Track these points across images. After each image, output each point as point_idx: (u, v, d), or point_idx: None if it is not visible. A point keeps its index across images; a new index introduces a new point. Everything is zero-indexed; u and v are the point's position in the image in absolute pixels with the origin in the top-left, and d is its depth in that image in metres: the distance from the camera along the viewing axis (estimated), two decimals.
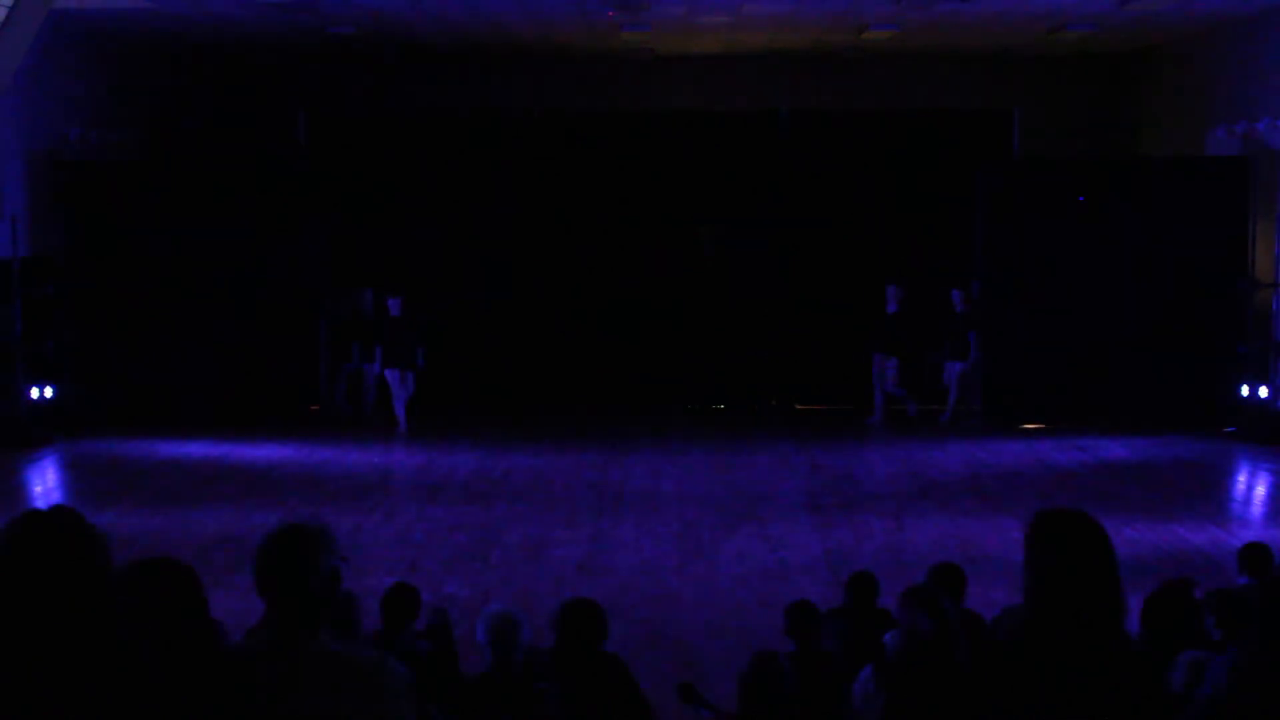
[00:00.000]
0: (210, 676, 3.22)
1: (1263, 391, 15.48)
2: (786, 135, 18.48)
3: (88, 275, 16.50)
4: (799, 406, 17.42)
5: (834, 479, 13.62)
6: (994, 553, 10.35)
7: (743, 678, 5.36)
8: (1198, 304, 16.33)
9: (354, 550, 10.36)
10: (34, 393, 15.46)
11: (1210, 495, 12.94)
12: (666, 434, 16.01)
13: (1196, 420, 15.95)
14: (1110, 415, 16.23)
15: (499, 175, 18.46)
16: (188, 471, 13.90)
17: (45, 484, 13.70)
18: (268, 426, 16.15)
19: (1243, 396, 15.72)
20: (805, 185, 18.35)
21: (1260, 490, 13.65)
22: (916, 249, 18.03)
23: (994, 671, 3.50)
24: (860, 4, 15.63)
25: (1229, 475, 14.20)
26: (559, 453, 14.88)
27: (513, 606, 5.98)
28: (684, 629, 8.73)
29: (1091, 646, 3.41)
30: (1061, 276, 16.56)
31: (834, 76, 19.98)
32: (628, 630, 8.16)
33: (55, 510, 3.15)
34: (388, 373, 16.32)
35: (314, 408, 17.05)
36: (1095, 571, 3.43)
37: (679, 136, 18.71)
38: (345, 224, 17.69)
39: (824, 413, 17.04)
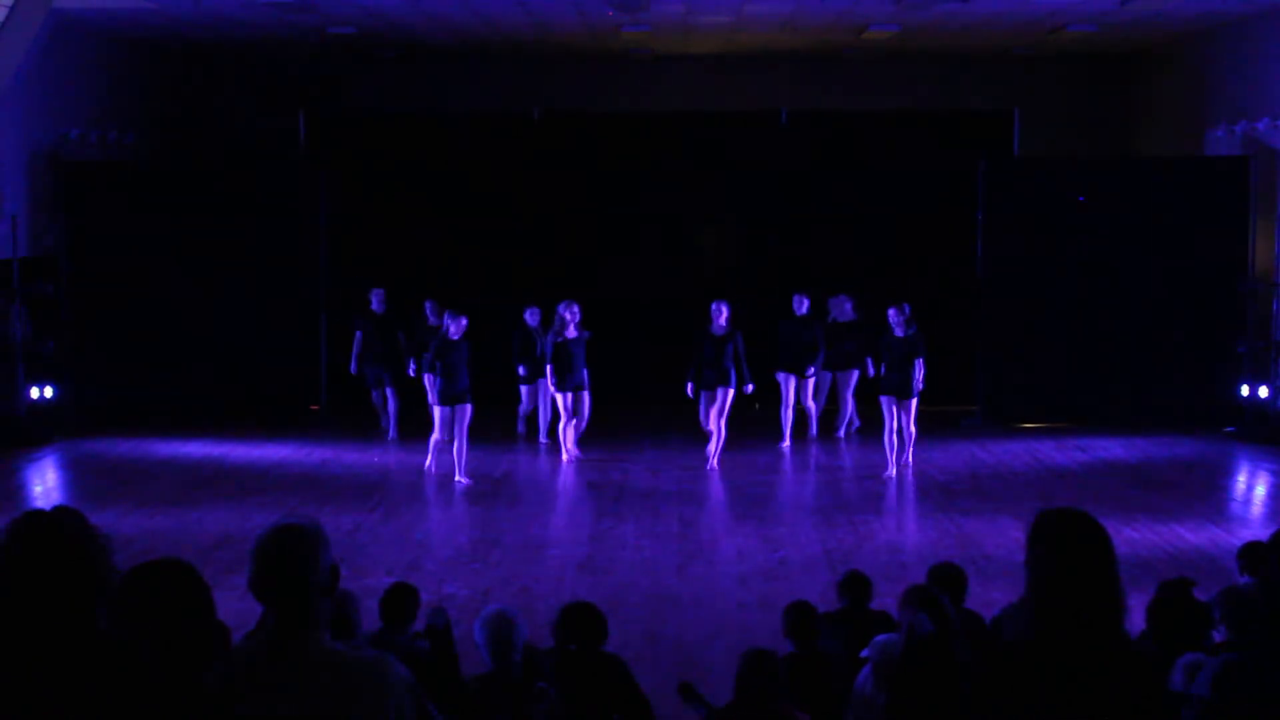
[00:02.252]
0: (211, 677, 3.22)
1: (1263, 391, 15.48)
2: (786, 135, 18.46)
3: (88, 275, 16.50)
4: None
5: (834, 479, 13.62)
6: (994, 553, 10.36)
7: (738, 676, 5.36)
8: (1198, 304, 16.33)
9: (354, 550, 10.37)
10: (34, 393, 15.46)
11: (1210, 495, 12.94)
12: (666, 434, 16.00)
13: (1196, 420, 15.95)
14: (1110, 415, 16.23)
15: (499, 175, 18.44)
16: (188, 471, 13.89)
17: (45, 484, 13.69)
18: (268, 426, 16.15)
19: (1243, 396, 15.72)
20: (805, 185, 18.32)
21: (1260, 490, 13.65)
22: (916, 249, 17.99)
23: (994, 671, 3.50)
24: (860, 4, 15.63)
25: (1229, 475, 14.20)
26: (559, 452, 14.87)
27: (512, 606, 5.98)
28: (684, 629, 8.73)
29: (1092, 646, 3.41)
30: (1061, 276, 16.56)
31: (834, 76, 19.99)
32: (628, 630, 8.17)
33: (58, 511, 3.15)
34: (439, 410, 13.42)
35: (314, 408, 17.03)
36: (1095, 571, 3.43)
37: (679, 136, 18.69)
38: (345, 224, 17.64)
39: (824, 412, 16.96)
